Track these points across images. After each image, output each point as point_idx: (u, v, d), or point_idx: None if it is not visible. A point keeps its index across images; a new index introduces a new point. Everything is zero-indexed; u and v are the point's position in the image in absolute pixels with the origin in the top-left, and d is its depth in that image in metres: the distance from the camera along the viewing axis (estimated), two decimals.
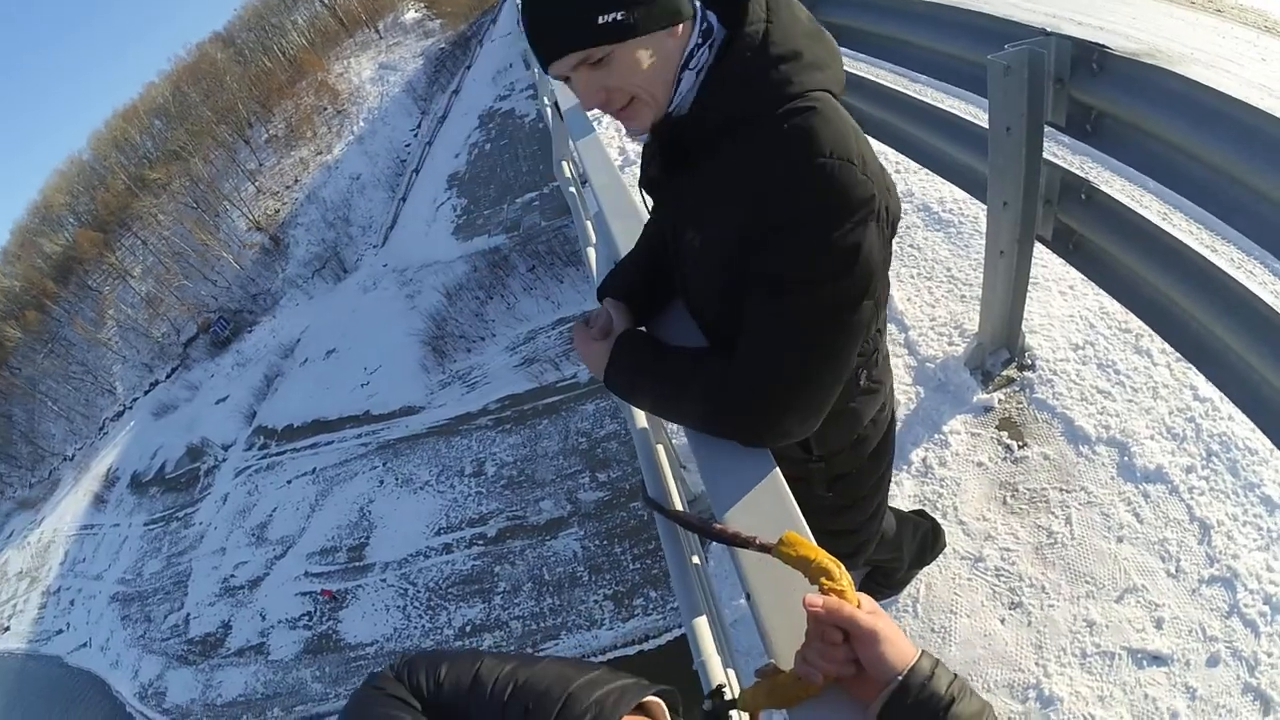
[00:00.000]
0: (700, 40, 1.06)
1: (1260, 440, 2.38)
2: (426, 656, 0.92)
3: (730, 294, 1.13)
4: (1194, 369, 2.18)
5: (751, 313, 1.09)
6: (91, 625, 27.31)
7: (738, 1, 1.06)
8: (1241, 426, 2.45)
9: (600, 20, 0.97)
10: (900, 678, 0.77)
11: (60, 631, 29.07)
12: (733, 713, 0.94)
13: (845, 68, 1.13)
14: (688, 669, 1.29)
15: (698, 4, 1.07)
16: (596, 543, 13.76)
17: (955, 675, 0.79)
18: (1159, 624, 2.14)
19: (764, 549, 0.91)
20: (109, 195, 70.99)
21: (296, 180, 50.84)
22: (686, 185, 1.17)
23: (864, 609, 0.82)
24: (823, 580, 0.85)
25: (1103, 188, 2.29)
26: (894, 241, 1.15)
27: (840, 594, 0.83)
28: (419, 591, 16.04)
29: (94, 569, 30.52)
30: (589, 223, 3.40)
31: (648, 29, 1.00)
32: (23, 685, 28.99)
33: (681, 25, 1.04)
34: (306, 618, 18.26)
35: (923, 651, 0.80)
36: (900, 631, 0.81)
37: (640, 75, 1.02)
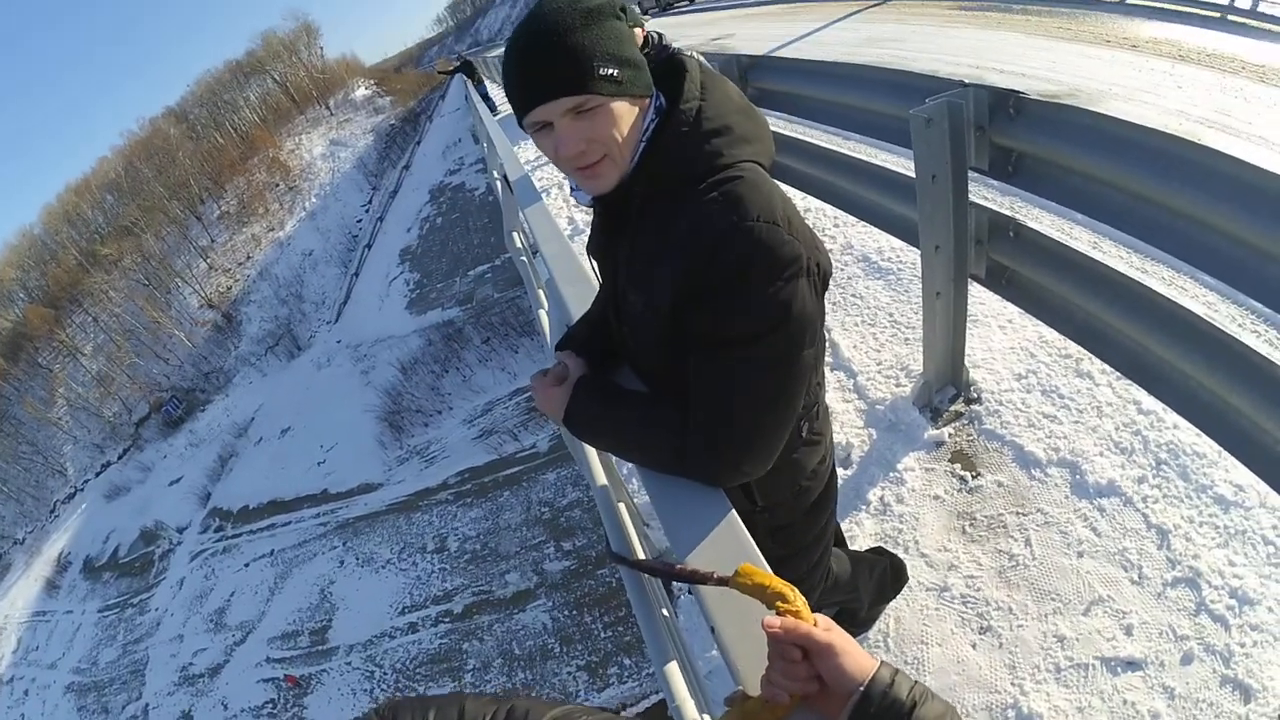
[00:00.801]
0: (654, 116, 1.14)
1: (1207, 444, 2.49)
2: (411, 701, 0.91)
3: (672, 353, 1.19)
4: (1135, 385, 2.27)
5: (698, 368, 1.15)
6: (47, 717, 25.64)
7: (674, 80, 1.15)
8: (1187, 433, 2.56)
9: (600, 71, 1.03)
10: (862, 688, 0.79)
11: None
12: None
13: (782, 130, 1.23)
14: None
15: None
16: (566, 613, 13.37)
17: (916, 681, 0.81)
18: (1129, 631, 2.17)
19: (722, 582, 0.95)
20: (60, 270, 69.03)
21: (249, 257, 50.30)
22: (627, 249, 1.24)
23: (820, 626, 0.85)
24: (778, 604, 0.88)
25: (1031, 224, 2.42)
26: (838, 292, 1.24)
27: (796, 614, 0.87)
28: (386, 673, 15.37)
29: (48, 657, 28.76)
30: (541, 291, 3.47)
31: (631, 93, 1.08)
32: None
33: (648, 99, 1.13)
34: (270, 705, 17.29)
35: (882, 661, 0.82)
36: (857, 645, 0.84)
37: (618, 133, 1.09)
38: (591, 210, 1.37)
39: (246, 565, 22.84)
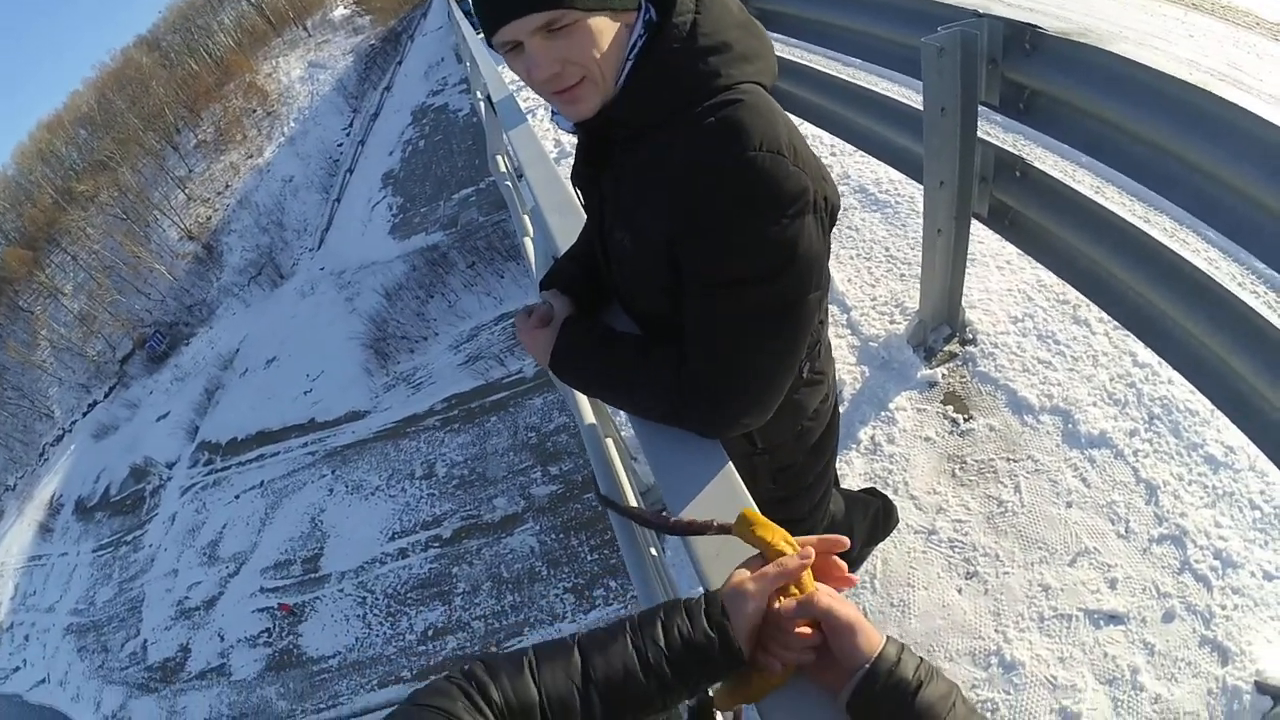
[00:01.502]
0: (642, 31, 1.01)
1: (1200, 401, 2.47)
2: (488, 661, 0.80)
3: (665, 293, 1.10)
4: (1132, 336, 2.23)
5: (694, 312, 1.06)
6: (48, 659, 26.09)
7: None
8: (1181, 389, 2.54)
9: None
10: (868, 664, 0.77)
11: (17, 669, 27.67)
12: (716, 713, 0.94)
13: (781, 54, 1.09)
14: None
15: None
16: (553, 536, 13.63)
17: (921, 659, 0.79)
18: (1113, 584, 2.20)
19: (724, 530, 0.91)
20: (36, 210, 67.78)
21: (228, 185, 49.24)
22: (613, 182, 1.14)
23: (823, 594, 0.82)
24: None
25: (1037, 164, 2.34)
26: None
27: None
28: (378, 599, 15.72)
29: (45, 601, 29.16)
30: (526, 217, 3.36)
31: (613, 6, 0.95)
32: None
33: (634, 13, 1.00)
34: (266, 634, 17.71)
35: (888, 637, 0.80)
36: (867, 621, 0.81)
37: (598, 52, 0.96)
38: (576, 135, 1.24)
39: (237, 497, 23.05)
